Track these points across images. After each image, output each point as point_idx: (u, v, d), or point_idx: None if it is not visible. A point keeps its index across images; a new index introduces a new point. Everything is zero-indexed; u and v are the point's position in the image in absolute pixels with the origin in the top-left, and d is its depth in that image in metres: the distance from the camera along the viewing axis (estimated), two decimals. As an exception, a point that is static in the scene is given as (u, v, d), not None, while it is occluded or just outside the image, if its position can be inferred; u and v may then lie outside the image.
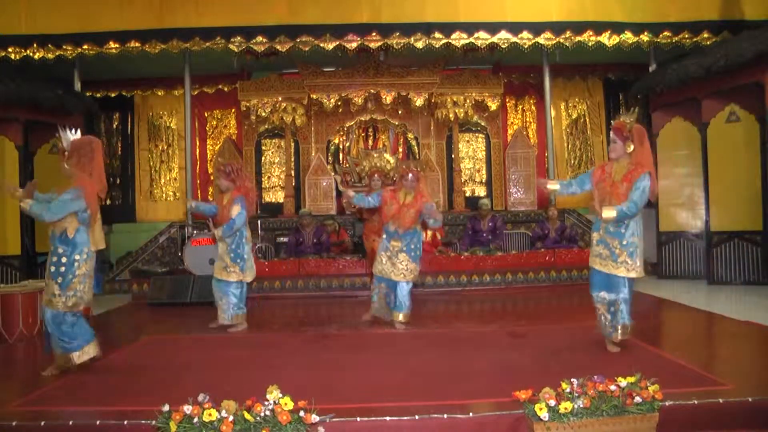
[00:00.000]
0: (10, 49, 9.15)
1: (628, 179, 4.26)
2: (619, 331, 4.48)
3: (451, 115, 10.72)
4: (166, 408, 2.76)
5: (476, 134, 11.89)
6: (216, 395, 2.83)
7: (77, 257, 4.10)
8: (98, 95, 11.40)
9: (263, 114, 10.67)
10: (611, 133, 4.40)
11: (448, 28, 9.35)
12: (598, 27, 9.38)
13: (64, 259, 4.06)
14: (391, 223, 5.70)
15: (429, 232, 9.01)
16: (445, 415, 3.01)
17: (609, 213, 4.25)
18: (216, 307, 6.05)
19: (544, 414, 2.79)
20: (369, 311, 6.03)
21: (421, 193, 5.66)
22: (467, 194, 11.45)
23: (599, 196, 4.39)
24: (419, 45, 9.42)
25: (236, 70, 10.95)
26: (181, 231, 9.47)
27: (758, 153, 8.28)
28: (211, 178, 11.75)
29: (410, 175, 5.65)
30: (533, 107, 12.21)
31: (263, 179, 11.65)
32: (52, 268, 4.08)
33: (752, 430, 3.11)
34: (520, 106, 12.26)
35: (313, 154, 11.27)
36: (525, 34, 9.40)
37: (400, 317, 5.74)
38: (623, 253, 4.36)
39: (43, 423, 3.09)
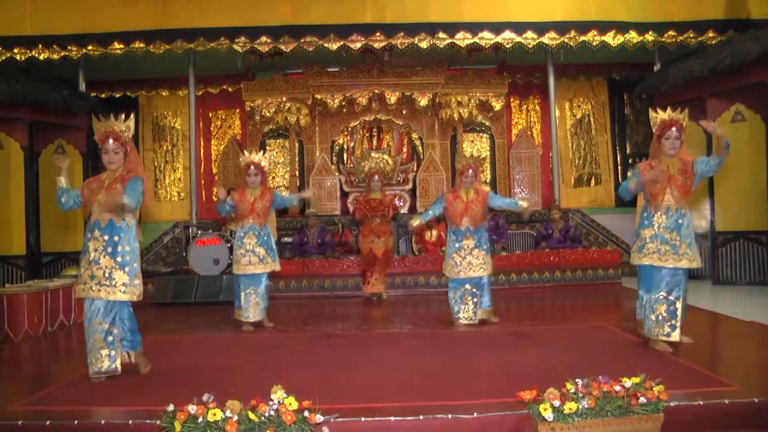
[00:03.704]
0: (15, 50, 9.19)
1: (683, 171, 4.40)
2: (679, 330, 4.37)
3: (455, 115, 10.71)
4: (171, 408, 2.77)
5: (480, 134, 11.88)
6: (220, 395, 2.84)
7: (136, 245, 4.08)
8: (103, 96, 11.43)
9: (267, 114, 10.69)
10: (676, 131, 4.38)
11: (452, 28, 9.36)
12: (603, 27, 9.37)
13: (128, 248, 3.97)
14: (464, 222, 5.72)
15: (434, 232, 9.02)
16: (449, 416, 3.01)
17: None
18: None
19: (548, 414, 2.79)
20: (454, 319, 5.82)
21: (479, 185, 5.81)
22: (471, 194, 11.42)
23: (656, 189, 4.40)
24: (423, 45, 9.42)
25: (240, 70, 10.96)
26: (186, 231, 9.49)
27: (763, 153, 8.25)
28: (216, 178, 11.78)
29: (470, 171, 5.68)
30: (537, 107, 12.19)
31: (267, 179, 11.65)
32: (118, 259, 3.92)
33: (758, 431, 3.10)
34: (525, 106, 12.24)
35: (318, 154, 11.28)
36: (529, 34, 9.39)
37: (492, 313, 5.88)
38: (683, 245, 4.36)
39: (48, 422, 3.09)
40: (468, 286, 5.74)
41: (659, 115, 4.45)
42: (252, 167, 5.79)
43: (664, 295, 4.38)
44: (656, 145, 4.49)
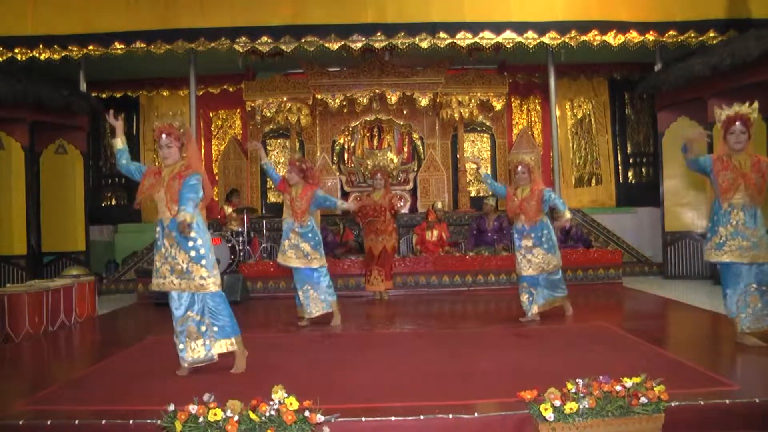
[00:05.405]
0: (16, 50, 9.18)
1: (757, 170, 4.35)
2: None
3: (456, 115, 10.71)
4: (172, 408, 2.77)
5: (481, 134, 11.88)
6: (221, 395, 2.84)
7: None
8: (104, 96, 11.43)
9: (268, 114, 10.69)
10: (740, 125, 4.35)
11: (453, 28, 9.34)
12: (604, 26, 9.35)
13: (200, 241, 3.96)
14: (518, 221, 5.76)
15: (434, 232, 9.02)
16: (450, 415, 3.01)
17: None
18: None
19: (549, 414, 2.78)
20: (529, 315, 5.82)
21: (536, 182, 5.75)
22: (472, 194, 11.45)
23: (727, 185, 4.37)
24: (424, 45, 9.41)
25: (241, 70, 10.96)
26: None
27: (764, 153, 8.23)
28: (216, 178, 11.78)
29: (519, 167, 5.70)
30: (538, 107, 12.20)
31: (268, 179, 11.66)
32: (192, 253, 3.93)
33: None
34: (525, 106, 12.25)
35: (318, 154, 11.29)
36: (530, 34, 9.37)
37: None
38: (762, 240, 4.35)
39: (49, 422, 3.10)
40: (525, 284, 5.82)
41: (724, 111, 4.41)
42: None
43: (755, 287, 4.36)
44: (723, 143, 4.45)
